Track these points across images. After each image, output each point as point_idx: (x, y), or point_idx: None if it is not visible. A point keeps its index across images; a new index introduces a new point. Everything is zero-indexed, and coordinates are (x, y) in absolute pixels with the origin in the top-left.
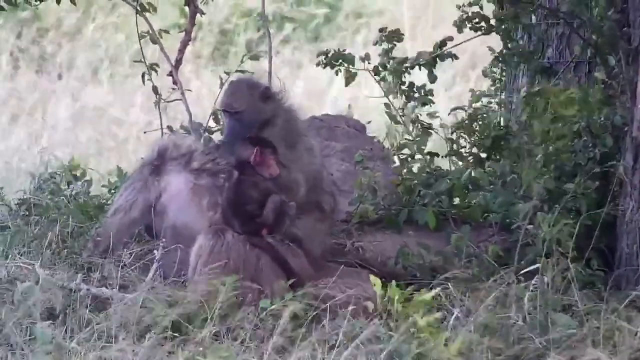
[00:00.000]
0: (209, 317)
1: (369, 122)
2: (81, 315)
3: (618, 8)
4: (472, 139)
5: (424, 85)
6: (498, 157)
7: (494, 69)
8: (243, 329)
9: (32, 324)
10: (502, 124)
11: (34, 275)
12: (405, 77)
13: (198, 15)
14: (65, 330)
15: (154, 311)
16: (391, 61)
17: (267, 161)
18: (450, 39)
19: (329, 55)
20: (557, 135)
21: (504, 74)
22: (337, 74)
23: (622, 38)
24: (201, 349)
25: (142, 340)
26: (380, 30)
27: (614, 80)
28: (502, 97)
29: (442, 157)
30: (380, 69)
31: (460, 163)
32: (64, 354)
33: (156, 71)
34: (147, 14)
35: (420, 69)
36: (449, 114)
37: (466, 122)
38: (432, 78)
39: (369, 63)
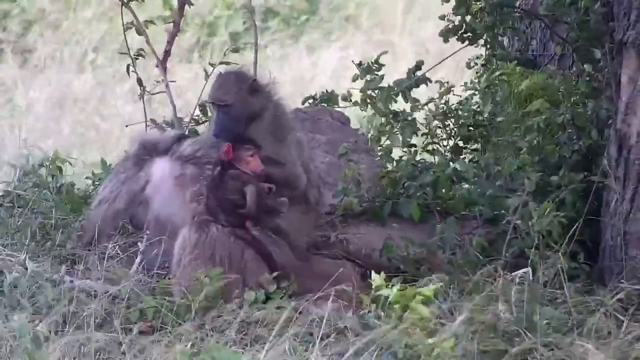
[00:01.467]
0: (193, 309)
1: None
2: (65, 307)
3: (603, 2)
4: (448, 130)
5: (409, 114)
6: (477, 145)
7: (477, 61)
8: (227, 320)
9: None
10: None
11: (16, 267)
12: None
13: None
14: (50, 323)
15: (137, 303)
16: (376, 92)
17: (243, 158)
18: (422, 62)
19: (316, 98)
20: (526, 128)
21: (487, 65)
22: None
23: (607, 32)
24: (184, 340)
25: (126, 332)
26: (358, 65)
27: (600, 73)
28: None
29: (421, 151)
30: (368, 101)
31: (436, 158)
32: (41, 346)
33: (143, 56)
34: (132, 5)
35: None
36: (420, 108)
37: (440, 113)
38: (414, 102)
39: (350, 101)
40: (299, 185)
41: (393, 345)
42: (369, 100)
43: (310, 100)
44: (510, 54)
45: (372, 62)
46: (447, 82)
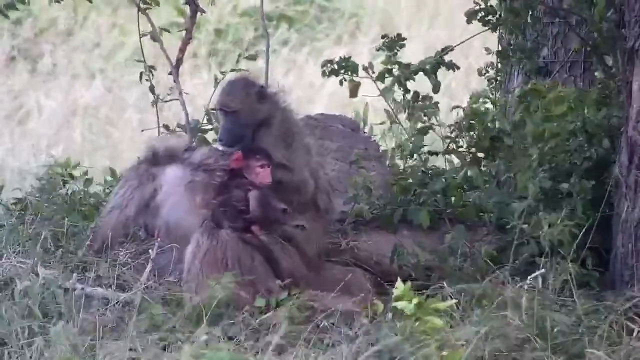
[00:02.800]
0: (205, 316)
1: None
2: (76, 315)
3: (616, 8)
4: (469, 139)
5: (429, 97)
6: (495, 157)
7: (489, 69)
8: (238, 328)
9: (29, 324)
10: (496, 124)
11: (27, 274)
12: (409, 83)
13: (198, 14)
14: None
15: (148, 311)
16: (395, 67)
17: (253, 168)
18: (451, 48)
19: (334, 63)
20: (550, 134)
21: (499, 73)
22: (341, 84)
23: (619, 38)
24: (196, 347)
25: (137, 340)
26: (383, 36)
27: (612, 80)
28: (498, 96)
29: (438, 155)
30: (387, 75)
31: (457, 161)
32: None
33: (152, 72)
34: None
35: (424, 73)
36: (452, 110)
37: (464, 122)
38: (436, 83)
39: (372, 72)
40: (307, 190)
41: (404, 354)
42: (387, 75)
43: (328, 65)
44: (527, 45)
45: (395, 37)
46: (476, 91)
